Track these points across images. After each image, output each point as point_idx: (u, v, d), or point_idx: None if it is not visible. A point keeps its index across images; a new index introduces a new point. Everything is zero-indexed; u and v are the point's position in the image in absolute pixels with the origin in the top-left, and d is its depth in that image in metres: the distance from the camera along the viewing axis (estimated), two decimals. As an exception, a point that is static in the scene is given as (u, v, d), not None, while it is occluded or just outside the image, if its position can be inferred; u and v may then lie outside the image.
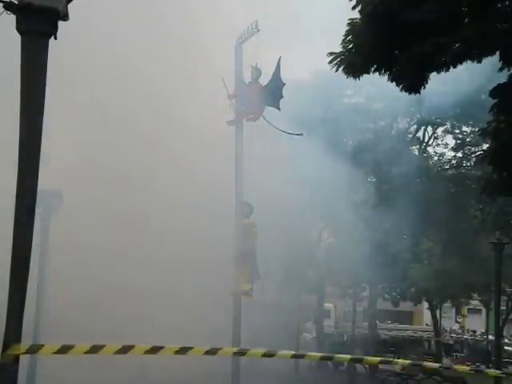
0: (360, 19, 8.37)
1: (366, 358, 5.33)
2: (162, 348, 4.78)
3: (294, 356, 4.93)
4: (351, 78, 9.03)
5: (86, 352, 4.63)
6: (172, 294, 16.51)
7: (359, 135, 20.44)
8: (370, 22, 8.11)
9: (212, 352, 4.85)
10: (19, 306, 4.48)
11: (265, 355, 4.99)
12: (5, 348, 4.38)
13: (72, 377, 14.11)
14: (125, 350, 4.73)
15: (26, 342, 4.60)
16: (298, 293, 25.09)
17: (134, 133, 17.02)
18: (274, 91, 11.73)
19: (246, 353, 5.08)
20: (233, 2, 17.43)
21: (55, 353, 4.64)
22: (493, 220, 20.26)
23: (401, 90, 8.82)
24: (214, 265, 16.77)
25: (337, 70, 8.87)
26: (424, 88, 8.87)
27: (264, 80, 11.99)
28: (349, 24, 8.64)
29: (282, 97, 11.74)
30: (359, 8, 8.24)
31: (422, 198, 18.71)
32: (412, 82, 8.57)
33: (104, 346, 4.66)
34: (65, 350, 4.63)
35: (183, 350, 4.83)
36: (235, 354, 5.36)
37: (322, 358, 4.93)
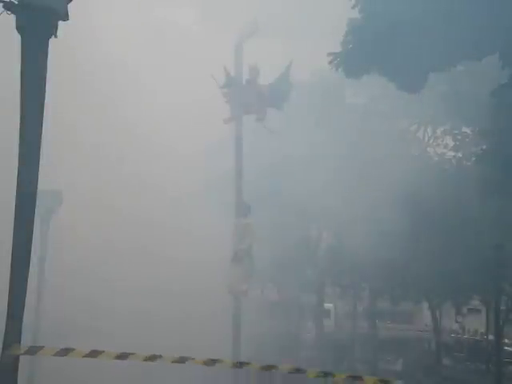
0: (360, 19, 8.36)
1: (365, 376, 5.31)
2: (160, 356, 4.79)
3: (293, 371, 4.97)
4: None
5: (85, 356, 4.63)
6: (171, 292, 16.50)
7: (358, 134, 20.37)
8: (370, 22, 8.12)
9: (211, 363, 4.86)
10: (19, 305, 4.48)
11: (264, 368, 5.01)
12: (5, 348, 4.37)
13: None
14: (124, 356, 4.73)
15: (25, 342, 4.60)
16: (298, 293, 25.05)
17: (132, 131, 17.00)
18: (280, 92, 11.55)
19: (245, 365, 5.11)
20: (233, 2, 17.41)
21: (54, 355, 4.63)
22: (493, 220, 20.20)
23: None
24: (212, 265, 16.74)
25: (337, 70, 8.83)
26: (423, 88, 8.83)
27: (265, 80, 11.89)
28: (349, 24, 8.62)
29: (287, 99, 11.54)
30: (359, 7, 8.21)
31: (422, 198, 18.66)
32: (411, 82, 8.58)
33: (103, 351, 4.66)
34: (64, 352, 4.62)
35: (182, 360, 4.83)
36: (234, 366, 5.38)
37: (320, 375, 4.94)
